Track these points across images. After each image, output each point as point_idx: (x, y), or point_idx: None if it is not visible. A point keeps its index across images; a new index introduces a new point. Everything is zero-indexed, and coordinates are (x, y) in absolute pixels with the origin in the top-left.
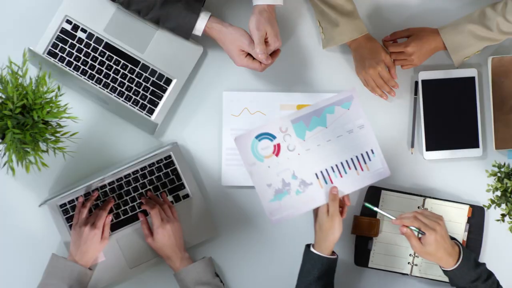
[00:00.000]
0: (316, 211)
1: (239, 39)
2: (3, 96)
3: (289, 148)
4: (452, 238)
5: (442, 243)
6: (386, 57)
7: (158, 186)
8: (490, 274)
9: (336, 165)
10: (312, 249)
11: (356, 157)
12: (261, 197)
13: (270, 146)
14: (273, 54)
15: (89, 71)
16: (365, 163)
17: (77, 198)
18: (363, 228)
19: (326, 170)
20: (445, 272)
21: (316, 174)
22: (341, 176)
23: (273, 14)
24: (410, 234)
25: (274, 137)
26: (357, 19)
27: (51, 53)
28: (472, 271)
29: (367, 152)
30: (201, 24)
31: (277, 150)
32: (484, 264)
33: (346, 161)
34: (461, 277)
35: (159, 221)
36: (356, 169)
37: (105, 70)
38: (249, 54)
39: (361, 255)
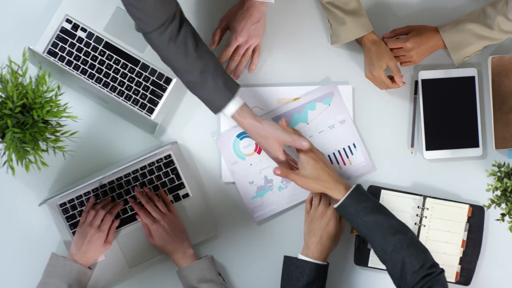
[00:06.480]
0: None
1: (276, 133)
2: (3, 95)
3: None
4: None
5: (321, 164)
6: (390, 62)
7: (158, 185)
8: (402, 231)
9: None
10: (300, 255)
11: (338, 151)
12: (243, 194)
13: (252, 144)
14: (254, 54)
15: (89, 70)
16: (347, 157)
17: (86, 197)
18: None
19: None
20: (337, 209)
21: None
22: None
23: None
24: (287, 172)
25: None
26: (362, 16)
27: (51, 52)
28: (362, 211)
29: (349, 146)
30: (233, 107)
31: (258, 147)
32: (394, 217)
33: (329, 156)
34: (350, 217)
35: (150, 219)
36: (338, 163)
37: (105, 69)
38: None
39: (361, 255)
